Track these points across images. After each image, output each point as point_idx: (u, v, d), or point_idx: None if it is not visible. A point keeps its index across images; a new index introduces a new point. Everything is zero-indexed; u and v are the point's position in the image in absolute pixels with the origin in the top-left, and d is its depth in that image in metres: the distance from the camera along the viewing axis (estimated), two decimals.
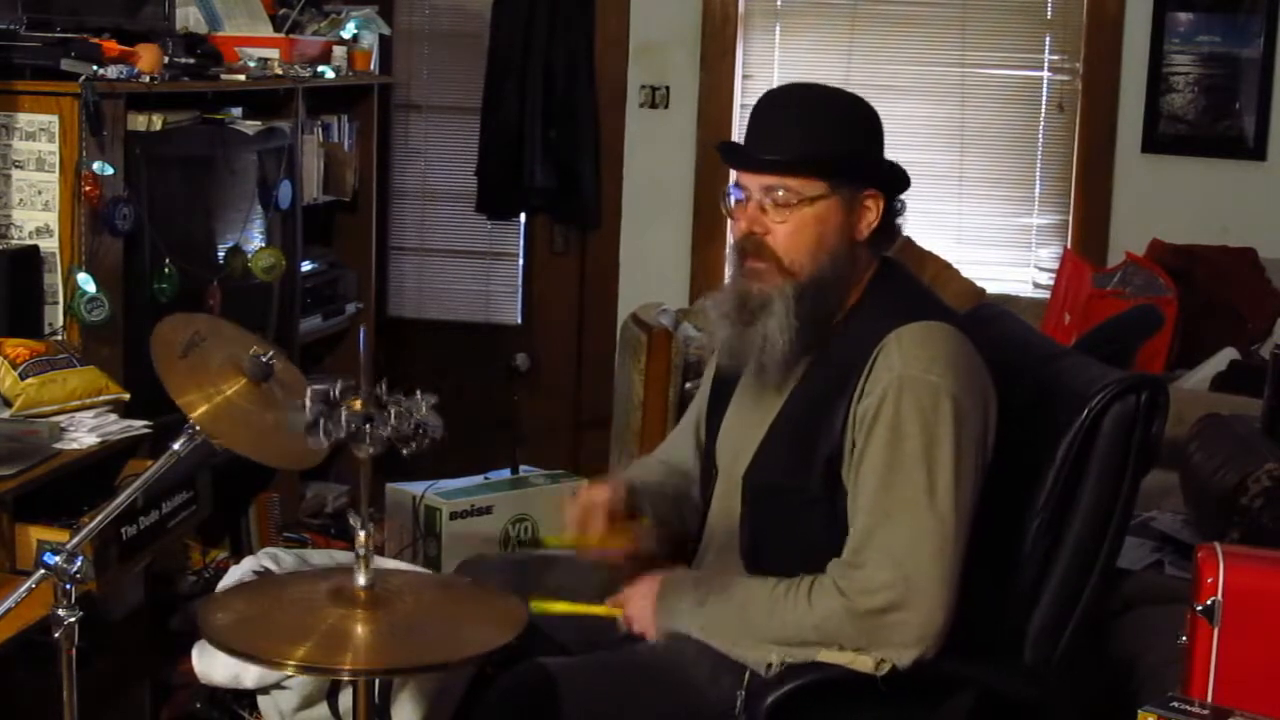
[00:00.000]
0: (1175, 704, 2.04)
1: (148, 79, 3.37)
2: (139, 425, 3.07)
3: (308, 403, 1.85)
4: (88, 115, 3.16)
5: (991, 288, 4.99)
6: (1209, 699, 2.20)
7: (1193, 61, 4.98)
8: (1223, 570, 2.27)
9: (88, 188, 3.19)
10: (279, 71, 4.09)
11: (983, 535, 2.21)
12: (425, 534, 3.83)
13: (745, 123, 2.40)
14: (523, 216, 5.50)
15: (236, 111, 4.00)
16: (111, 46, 3.36)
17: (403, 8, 5.47)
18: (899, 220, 2.37)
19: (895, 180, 2.34)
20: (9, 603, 2.08)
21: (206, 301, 3.68)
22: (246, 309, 3.88)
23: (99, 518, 2.11)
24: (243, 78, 3.88)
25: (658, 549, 2.46)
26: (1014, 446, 2.29)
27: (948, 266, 4.89)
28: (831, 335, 2.31)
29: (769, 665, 2.20)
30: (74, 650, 1.99)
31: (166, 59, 3.52)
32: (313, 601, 1.89)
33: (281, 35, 4.29)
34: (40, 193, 3.23)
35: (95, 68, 3.21)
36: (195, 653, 2.53)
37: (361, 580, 1.89)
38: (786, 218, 2.27)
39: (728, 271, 2.40)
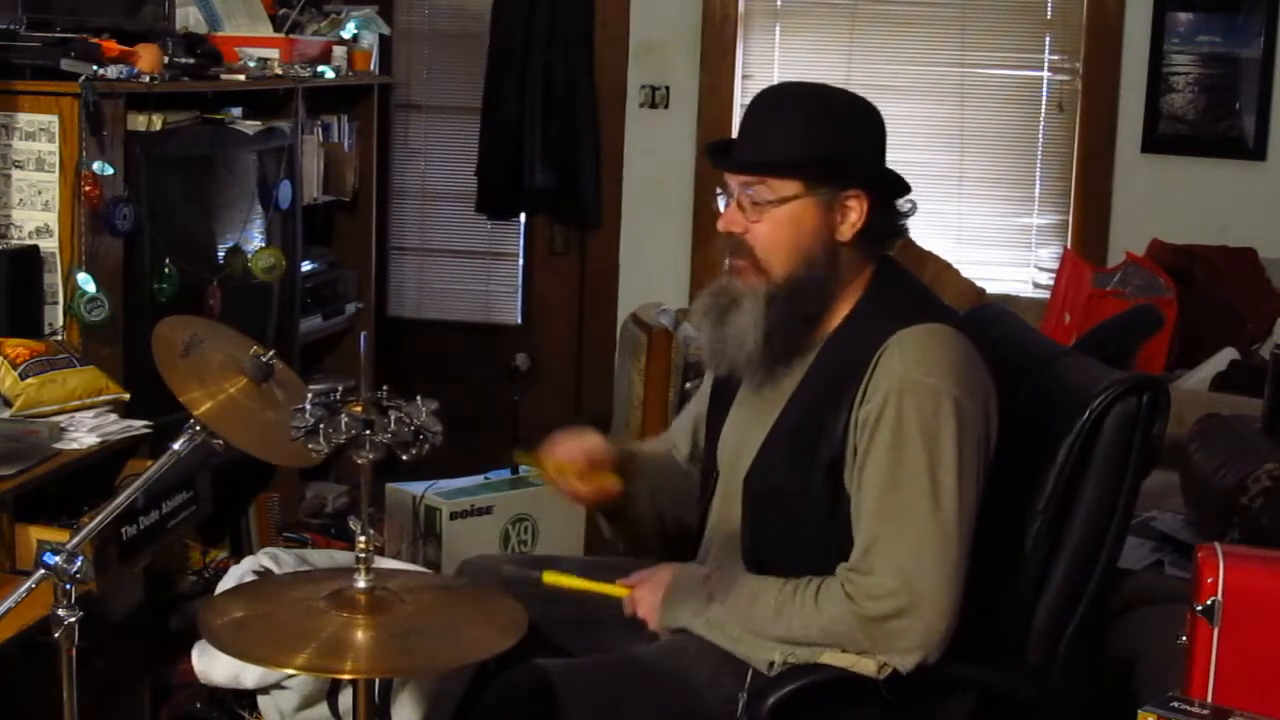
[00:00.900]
0: (1175, 704, 2.04)
1: (148, 79, 3.37)
2: (139, 425, 3.07)
3: (308, 407, 1.85)
4: (88, 115, 3.16)
5: (991, 288, 4.99)
6: (1209, 699, 2.20)
7: (1193, 61, 4.98)
8: (1223, 570, 2.27)
9: (88, 188, 3.19)
10: (279, 71, 4.09)
11: (984, 536, 2.21)
12: (425, 534, 3.83)
13: None
14: (523, 216, 5.50)
15: (236, 111, 4.00)
16: (111, 46, 3.36)
17: (403, 8, 5.48)
18: (902, 222, 2.36)
19: (885, 181, 2.33)
20: (9, 603, 2.07)
21: (206, 301, 3.68)
22: (246, 309, 3.88)
23: (99, 518, 2.11)
24: (243, 78, 3.88)
25: (628, 519, 2.50)
26: (1015, 447, 2.29)
27: (948, 266, 4.90)
28: (830, 337, 2.31)
29: (771, 664, 2.20)
30: (74, 650, 1.99)
31: (166, 59, 3.52)
32: (313, 605, 1.89)
33: (281, 35, 4.29)
34: (40, 193, 3.23)
35: (95, 68, 3.21)
36: (195, 653, 2.54)
37: (362, 584, 1.89)
38: (761, 217, 2.27)
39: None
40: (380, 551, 3.61)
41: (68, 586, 1.96)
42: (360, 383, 1.88)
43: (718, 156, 2.36)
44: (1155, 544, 3.21)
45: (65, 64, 3.18)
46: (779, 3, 5.26)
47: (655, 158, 5.31)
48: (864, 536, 2.19)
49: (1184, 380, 4.31)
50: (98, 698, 2.83)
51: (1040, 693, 2.30)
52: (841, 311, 2.32)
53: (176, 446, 2.10)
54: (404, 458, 1.88)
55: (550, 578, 2.42)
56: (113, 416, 3.08)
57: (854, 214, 2.28)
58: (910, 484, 2.16)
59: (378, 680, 2.09)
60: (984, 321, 2.61)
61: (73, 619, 1.97)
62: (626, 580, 2.41)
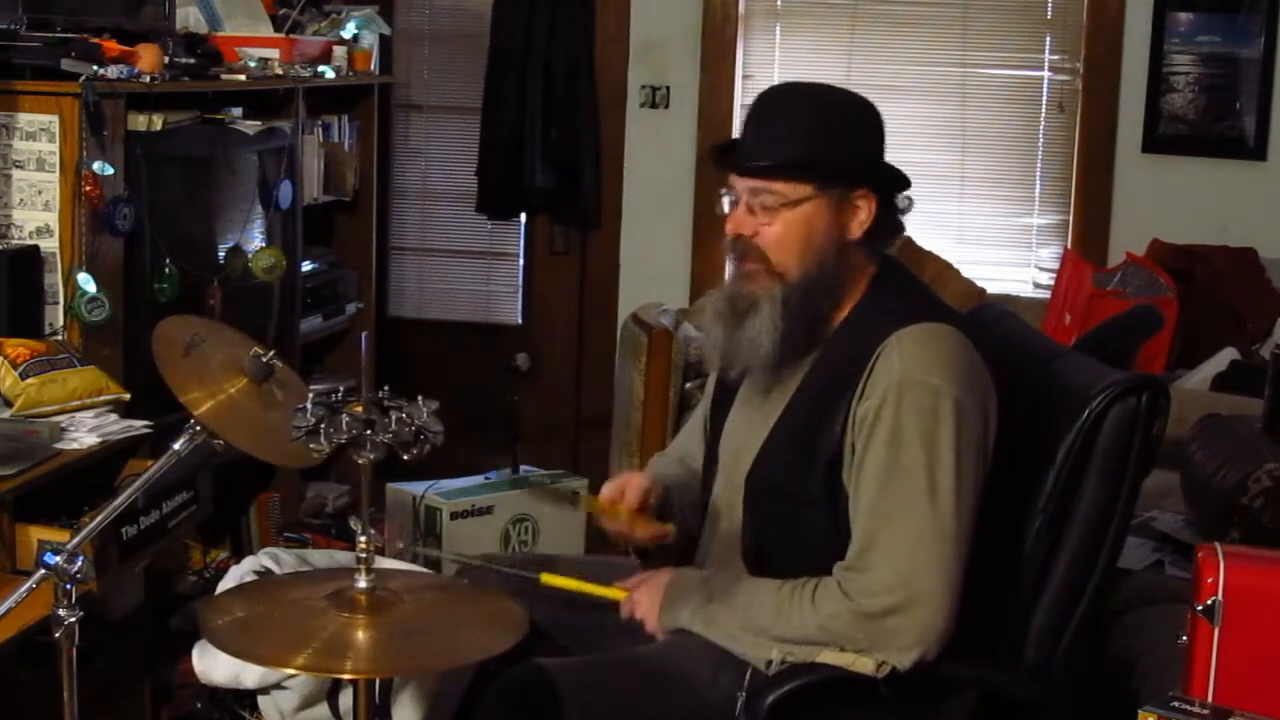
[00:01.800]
0: (1175, 704, 2.03)
1: (148, 79, 3.37)
2: (139, 425, 3.07)
3: (309, 407, 1.85)
4: (88, 115, 3.16)
5: (992, 288, 4.99)
6: (1209, 699, 2.20)
7: (1193, 61, 4.98)
8: (1223, 570, 2.27)
9: (88, 188, 3.19)
10: (279, 71, 4.09)
11: (984, 536, 2.21)
12: (425, 534, 3.84)
13: None
14: (523, 216, 5.50)
15: (237, 111, 4.00)
16: (111, 46, 3.36)
17: (403, 8, 5.48)
18: (901, 218, 2.37)
19: (889, 178, 2.33)
20: (9, 603, 2.08)
21: (207, 301, 3.68)
22: (247, 309, 3.88)
23: (99, 518, 2.11)
24: (243, 78, 3.88)
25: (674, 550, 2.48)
26: (1014, 447, 2.29)
27: (948, 266, 4.90)
28: (832, 336, 2.31)
29: (769, 663, 2.20)
30: (74, 650, 1.99)
31: (167, 59, 3.52)
32: (313, 605, 1.89)
33: (281, 35, 4.29)
34: (40, 193, 3.23)
35: (95, 68, 3.21)
36: (195, 653, 2.53)
37: (362, 584, 1.89)
38: (772, 220, 2.27)
39: (728, 271, 2.40)
40: (380, 551, 3.61)
41: (68, 586, 1.96)
42: (361, 383, 1.89)
43: (723, 159, 2.36)
44: (1155, 544, 3.21)
45: (65, 64, 3.18)
46: (779, 3, 5.26)
47: (655, 158, 5.31)
48: (861, 534, 2.19)
49: (1184, 380, 4.31)
50: (98, 698, 2.83)
51: (1040, 692, 2.30)
52: (844, 310, 2.32)
53: (177, 446, 2.11)
54: (405, 458, 1.88)
55: (548, 580, 2.42)
56: (113, 416, 3.08)
57: (863, 213, 2.28)
58: (908, 482, 2.16)
59: (378, 680, 2.09)
60: (985, 321, 2.61)
61: (73, 619, 1.97)
62: (624, 583, 2.41)
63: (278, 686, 2.50)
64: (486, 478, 4.03)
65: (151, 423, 3.07)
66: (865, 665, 2.16)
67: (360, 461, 1.87)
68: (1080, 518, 2.30)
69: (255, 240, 4.02)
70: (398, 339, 5.47)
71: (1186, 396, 3.83)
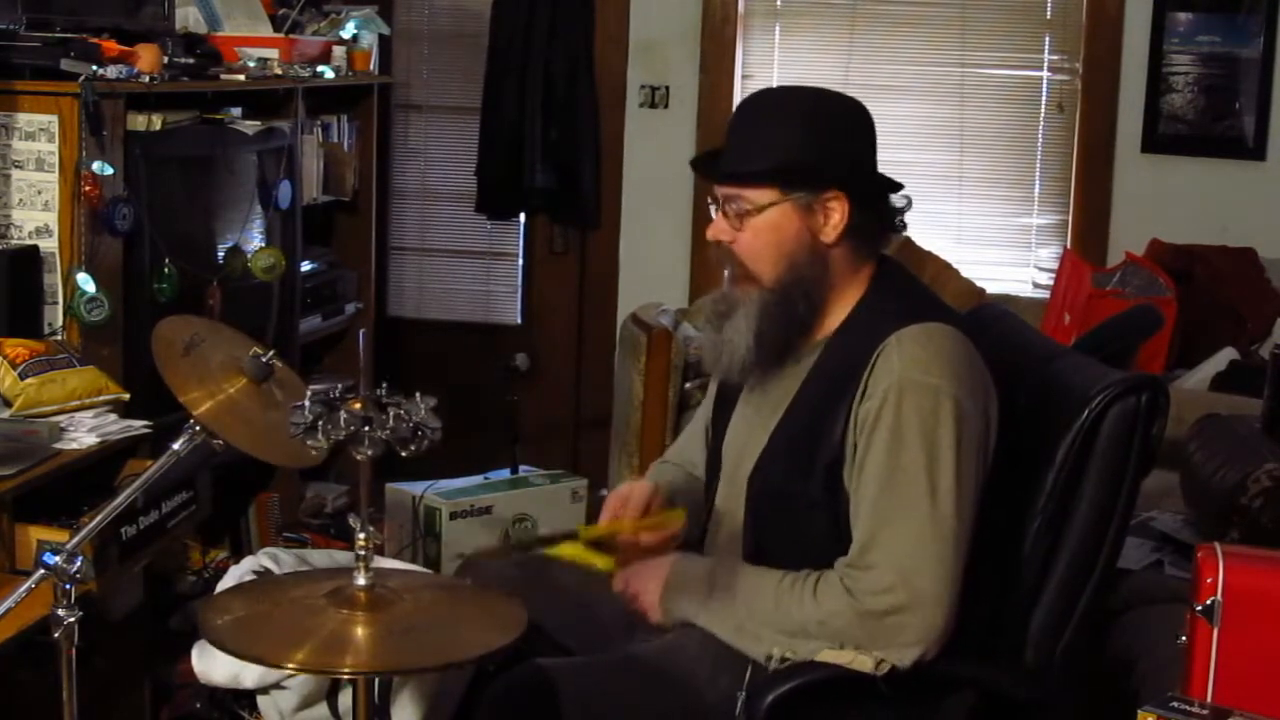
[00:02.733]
0: (1175, 704, 2.03)
1: (147, 79, 3.37)
2: (139, 425, 3.07)
3: (307, 404, 1.85)
4: (87, 115, 3.16)
5: (991, 288, 4.99)
6: (1209, 699, 2.20)
7: (1193, 61, 4.98)
8: (1222, 570, 2.27)
9: (87, 188, 3.19)
10: (279, 71, 4.09)
11: (983, 536, 2.22)
12: (425, 534, 3.83)
13: None
14: (523, 216, 5.50)
15: (236, 111, 4.00)
16: (111, 46, 3.36)
17: (403, 8, 5.48)
18: (897, 219, 2.37)
19: (866, 179, 2.32)
20: (9, 603, 2.08)
21: (206, 301, 3.68)
22: (246, 309, 3.88)
23: (99, 518, 2.11)
24: (242, 78, 3.88)
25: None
26: (1014, 447, 2.29)
27: (948, 266, 4.90)
28: (831, 337, 2.31)
29: (769, 657, 2.20)
30: (74, 650, 1.99)
31: (166, 59, 3.52)
32: (312, 603, 1.89)
33: (281, 35, 4.29)
34: (40, 193, 3.23)
35: (95, 68, 3.21)
36: (195, 653, 2.53)
37: (361, 581, 1.89)
38: (743, 226, 2.29)
39: (725, 273, 2.43)
40: (380, 551, 3.61)
41: (68, 586, 1.96)
42: (360, 380, 1.89)
43: (700, 169, 2.38)
44: (1155, 544, 3.21)
45: (65, 64, 3.18)
46: (779, 3, 5.27)
47: (655, 158, 5.31)
48: (862, 533, 2.19)
49: (1184, 380, 4.31)
50: (98, 698, 2.83)
51: (1039, 692, 2.30)
52: (841, 312, 2.32)
53: (176, 446, 2.11)
54: (403, 454, 1.88)
55: (549, 550, 2.42)
56: (113, 416, 3.08)
57: (836, 215, 2.28)
58: (909, 482, 2.16)
59: (377, 680, 2.10)
60: (984, 322, 2.61)
61: (73, 619, 1.97)
62: (625, 570, 2.40)
63: (277, 686, 2.50)
64: (486, 478, 4.02)
65: (151, 423, 3.07)
66: (865, 663, 2.16)
67: (359, 458, 1.87)
68: (1080, 518, 2.30)
69: (255, 240, 4.02)
70: (397, 339, 5.47)
71: (1186, 396, 3.83)
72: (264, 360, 2.19)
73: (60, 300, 3.23)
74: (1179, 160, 5.03)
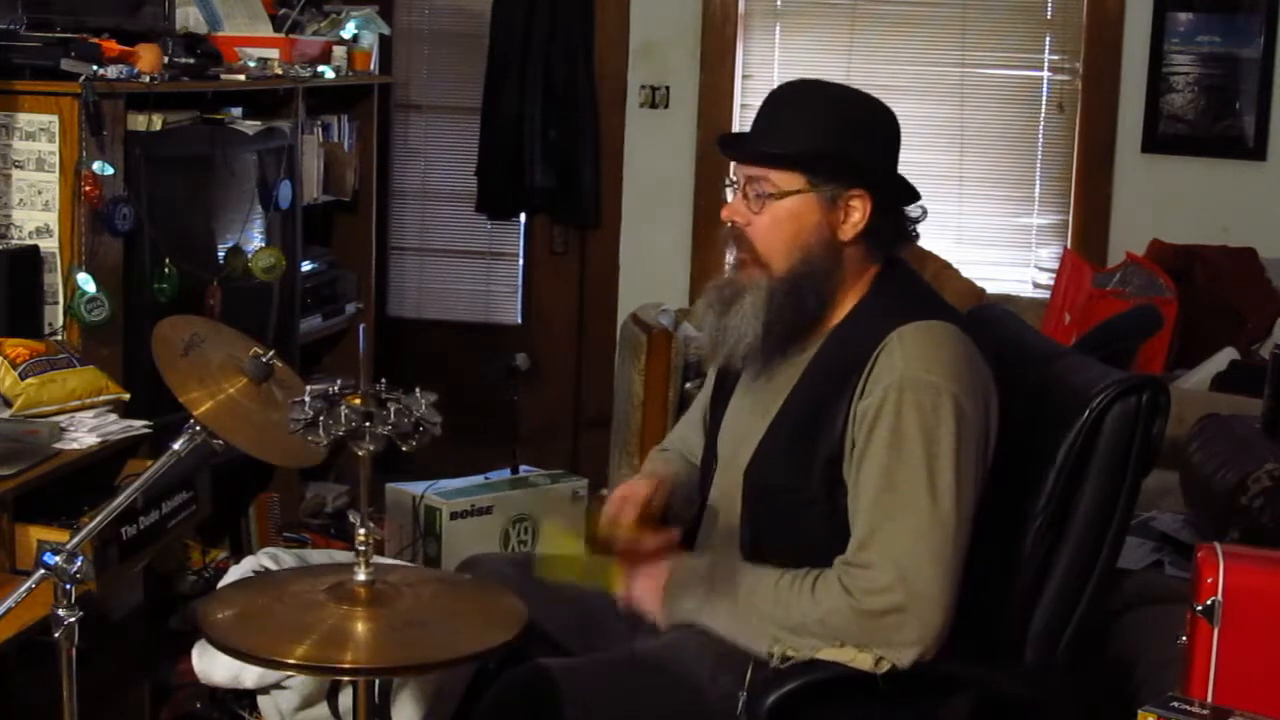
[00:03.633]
0: (1175, 704, 2.04)
1: (148, 79, 3.37)
2: (139, 425, 3.07)
3: (307, 400, 1.85)
4: (88, 115, 3.16)
5: (991, 288, 4.99)
6: (1209, 699, 2.20)
7: (1193, 61, 4.98)
8: (1223, 570, 2.27)
9: (88, 188, 3.19)
10: (279, 71, 4.09)
11: (983, 535, 2.21)
12: (425, 534, 3.83)
13: (745, 123, 2.41)
14: (523, 216, 5.50)
15: (236, 111, 4.00)
16: (111, 46, 3.36)
17: (403, 8, 5.48)
18: (911, 228, 2.37)
19: (892, 185, 2.32)
20: (9, 603, 2.08)
21: (206, 301, 3.68)
22: (246, 309, 3.88)
23: (99, 518, 2.11)
24: (243, 78, 3.88)
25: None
26: (1015, 447, 2.29)
27: (948, 266, 4.90)
28: (832, 332, 2.31)
29: (770, 654, 2.20)
30: (74, 650, 1.99)
31: (166, 59, 3.52)
32: (312, 598, 1.89)
33: (281, 35, 4.28)
34: (40, 193, 3.23)
35: (95, 68, 3.21)
36: (195, 653, 2.54)
37: (361, 577, 1.89)
38: (762, 209, 2.28)
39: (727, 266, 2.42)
40: (380, 550, 3.61)
41: (68, 586, 1.96)
42: (359, 376, 1.89)
43: (726, 146, 2.37)
44: (1155, 544, 3.21)
45: (65, 64, 3.18)
46: (779, 3, 5.26)
47: (655, 158, 5.31)
48: (861, 531, 2.19)
49: (1184, 380, 4.31)
50: (98, 698, 2.83)
51: (1040, 692, 2.30)
52: (844, 308, 2.32)
53: (176, 446, 2.11)
54: (404, 449, 1.87)
55: (547, 568, 2.41)
56: (113, 416, 3.08)
57: (856, 214, 2.28)
58: (908, 479, 2.16)
59: (378, 680, 2.10)
60: (984, 321, 2.61)
61: (73, 619, 1.97)
62: (626, 572, 2.40)
63: (277, 686, 2.50)
64: (486, 478, 4.03)
65: (151, 423, 3.07)
66: (864, 661, 2.16)
67: (359, 453, 1.87)
68: (1080, 518, 2.30)
69: (255, 240, 4.02)
70: (397, 339, 5.47)
71: (1186, 396, 3.83)
72: (264, 360, 2.19)
73: (60, 300, 3.23)
74: (1179, 160, 5.03)
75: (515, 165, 5.25)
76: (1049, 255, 5.20)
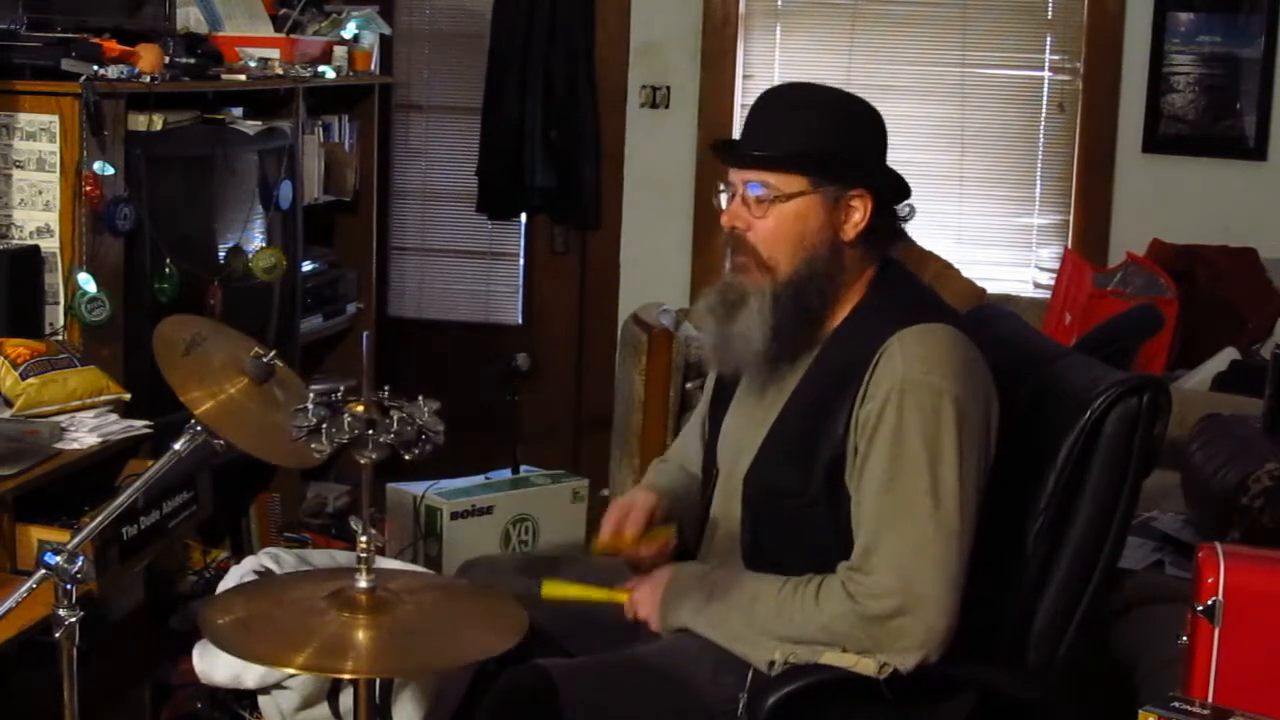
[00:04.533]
0: (1175, 704, 2.04)
1: (148, 79, 3.37)
2: (139, 425, 3.07)
3: (310, 406, 1.85)
4: (88, 115, 3.16)
5: (992, 288, 4.99)
6: (1209, 699, 2.20)
7: (1193, 61, 4.98)
8: (1223, 570, 2.27)
9: (88, 188, 3.19)
10: (279, 71, 4.09)
11: (985, 536, 2.21)
12: (426, 534, 3.83)
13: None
14: (523, 216, 5.50)
15: (237, 111, 4.00)
16: (112, 46, 3.36)
17: (403, 8, 5.47)
18: (904, 225, 2.37)
19: (889, 182, 2.32)
20: (9, 603, 2.08)
21: (207, 301, 3.68)
22: (247, 309, 3.88)
23: (100, 518, 2.11)
24: (243, 78, 3.88)
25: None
26: (1015, 448, 2.29)
27: (948, 266, 4.90)
28: (831, 336, 2.31)
29: (772, 663, 2.20)
30: (74, 650, 1.99)
31: (167, 59, 3.52)
32: (314, 604, 1.89)
33: (282, 35, 4.29)
34: (41, 193, 3.23)
35: (96, 68, 3.21)
36: (195, 653, 2.53)
37: (363, 584, 1.89)
38: (765, 213, 2.27)
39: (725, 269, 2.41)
40: (381, 551, 3.61)
41: (68, 586, 1.96)
42: (362, 382, 1.88)
43: (724, 152, 2.36)
44: (1156, 544, 3.21)
45: (66, 64, 3.18)
46: (779, 3, 5.26)
47: (655, 158, 5.31)
48: (864, 536, 2.19)
49: (1184, 380, 4.31)
50: (98, 698, 2.83)
51: (1041, 692, 2.30)
52: (843, 311, 2.32)
53: (177, 446, 2.11)
54: (406, 458, 1.87)
55: (549, 589, 2.41)
56: (113, 416, 3.08)
57: (858, 214, 2.28)
58: (910, 483, 2.16)
59: (378, 680, 2.10)
60: (985, 322, 2.61)
61: (73, 619, 1.97)
62: (624, 584, 2.41)
63: (278, 686, 2.50)
64: (487, 478, 4.02)
65: (151, 423, 3.07)
66: (868, 666, 2.16)
67: (362, 461, 1.87)
68: (1081, 518, 2.30)
69: (255, 240, 4.02)
70: (398, 339, 5.46)
71: (1186, 396, 3.83)
72: (265, 360, 2.19)
73: (61, 300, 3.23)
74: (1180, 160, 5.03)
75: (515, 165, 5.25)
76: (1049, 255, 5.19)
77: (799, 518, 2.27)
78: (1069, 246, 5.12)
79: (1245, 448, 3.11)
